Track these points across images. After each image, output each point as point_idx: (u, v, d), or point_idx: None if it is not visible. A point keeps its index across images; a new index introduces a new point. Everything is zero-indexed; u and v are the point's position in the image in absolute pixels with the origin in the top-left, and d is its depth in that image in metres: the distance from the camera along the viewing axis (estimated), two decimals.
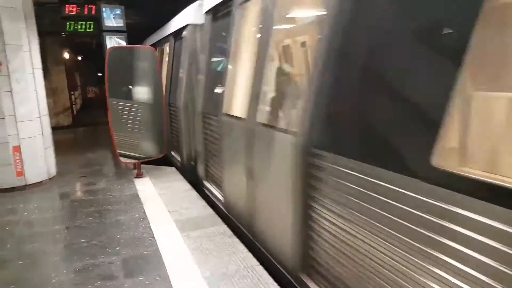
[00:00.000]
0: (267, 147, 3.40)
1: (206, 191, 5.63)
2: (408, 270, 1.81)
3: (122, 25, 9.69)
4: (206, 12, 5.52)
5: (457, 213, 1.52)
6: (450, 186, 1.55)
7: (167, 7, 9.00)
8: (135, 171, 6.58)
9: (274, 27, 3.54)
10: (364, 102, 2.17)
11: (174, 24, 7.29)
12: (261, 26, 3.77)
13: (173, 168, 7.09)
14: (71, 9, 11.39)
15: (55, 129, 11.56)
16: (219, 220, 4.61)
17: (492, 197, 1.38)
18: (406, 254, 1.81)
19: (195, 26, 6.25)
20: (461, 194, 1.50)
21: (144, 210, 4.95)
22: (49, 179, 6.32)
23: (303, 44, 3.70)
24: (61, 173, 6.74)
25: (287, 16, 3.70)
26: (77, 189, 6.01)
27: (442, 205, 1.58)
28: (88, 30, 11.83)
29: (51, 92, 12.60)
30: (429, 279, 1.68)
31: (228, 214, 4.65)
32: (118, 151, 6.34)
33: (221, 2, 4.87)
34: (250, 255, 3.68)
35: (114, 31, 9.72)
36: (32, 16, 6.13)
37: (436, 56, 1.71)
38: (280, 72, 3.78)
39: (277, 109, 3.61)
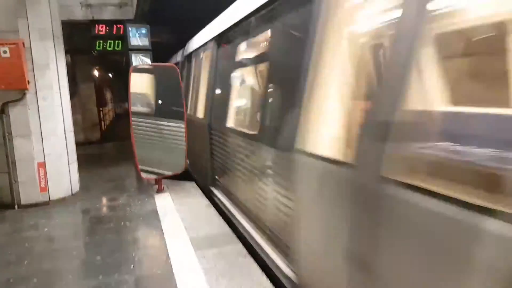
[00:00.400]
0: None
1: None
2: None
3: (147, 43, 9.92)
4: None
5: None
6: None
7: (192, 26, 9.17)
8: (156, 186, 6.62)
9: None
10: None
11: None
12: None
13: (193, 183, 7.11)
14: (101, 29, 11.81)
15: (83, 144, 11.98)
16: (235, 238, 4.54)
17: None
18: None
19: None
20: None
21: (161, 226, 4.95)
22: (72, 195, 6.44)
23: None
24: (85, 189, 6.86)
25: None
26: (98, 205, 6.09)
27: None
28: (116, 48, 12.23)
29: (80, 108, 13.02)
30: None
31: None
32: (140, 166, 6.42)
33: None
34: (264, 277, 3.59)
35: (139, 49, 9.95)
36: (60, 36, 6.35)
37: None
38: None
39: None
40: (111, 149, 12.48)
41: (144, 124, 6.78)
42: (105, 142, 13.51)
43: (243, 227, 4.47)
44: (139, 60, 9.55)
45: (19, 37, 5.57)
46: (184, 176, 7.13)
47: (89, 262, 4.05)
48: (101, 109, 14.98)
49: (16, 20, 5.57)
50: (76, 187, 6.64)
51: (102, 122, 15.13)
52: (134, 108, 6.47)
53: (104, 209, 5.95)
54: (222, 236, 4.62)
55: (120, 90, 24.89)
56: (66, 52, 7.00)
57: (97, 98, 14.10)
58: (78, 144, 7.27)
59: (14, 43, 5.45)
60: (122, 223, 5.15)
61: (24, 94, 5.69)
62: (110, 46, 12.19)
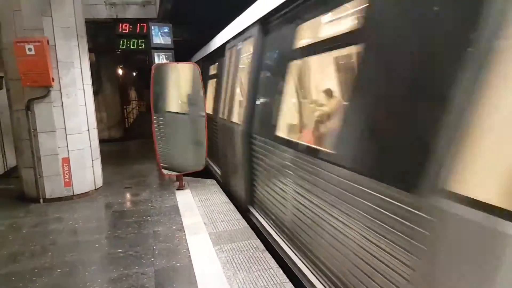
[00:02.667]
0: None
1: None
2: None
3: (169, 42, 10.04)
4: None
5: None
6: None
7: (214, 26, 9.21)
8: (177, 182, 6.69)
9: None
10: None
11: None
12: None
13: (213, 181, 7.15)
14: (124, 28, 12.01)
15: (107, 141, 12.22)
16: (252, 234, 4.55)
17: None
18: None
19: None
20: None
21: (181, 221, 5.00)
22: (96, 189, 6.58)
23: None
24: (108, 184, 7.00)
25: None
26: (120, 200, 6.20)
27: None
28: (139, 47, 12.41)
29: (104, 106, 13.28)
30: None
31: None
32: (161, 163, 6.51)
33: None
34: (280, 271, 3.59)
35: (162, 48, 10.08)
36: (84, 34, 6.48)
37: None
38: None
39: None
40: (134, 147, 12.69)
41: (166, 121, 6.87)
42: (128, 140, 13.74)
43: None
44: (161, 59, 9.66)
45: (44, 35, 5.71)
46: (204, 173, 7.19)
47: (111, 255, 4.12)
48: (125, 107, 15.23)
49: (41, 18, 5.71)
50: (99, 182, 6.77)
51: (126, 120, 15.37)
52: (156, 105, 6.55)
53: (126, 204, 6.04)
54: (240, 231, 4.63)
55: (144, 88, 25.31)
56: (90, 50, 7.15)
57: (120, 96, 14.34)
58: (102, 141, 7.43)
59: (38, 41, 5.59)
60: (144, 218, 5.23)
61: (49, 91, 5.83)
62: (133, 45, 12.38)
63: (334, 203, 2.78)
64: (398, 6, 2.27)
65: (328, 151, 2.87)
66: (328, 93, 4.07)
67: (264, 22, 4.74)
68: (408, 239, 1.99)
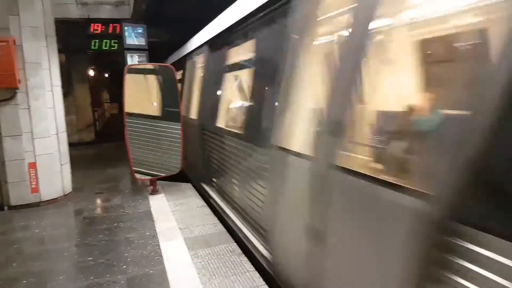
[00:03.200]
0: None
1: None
2: None
3: (143, 43, 9.86)
4: None
5: None
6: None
7: (190, 26, 9.12)
8: (151, 187, 6.53)
9: None
10: None
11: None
12: None
13: (189, 184, 7.02)
14: (96, 28, 11.74)
15: (77, 145, 11.86)
16: (229, 237, 4.47)
17: None
18: None
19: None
20: None
21: (155, 227, 4.86)
22: (64, 195, 6.34)
23: None
24: (77, 190, 6.76)
25: None
26: (91, 206, 5.99)
27: None
28: (112, 48, 12.16)
29: (74, 108, 12.91)
30: None
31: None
32: (134, 167, 6.33)
33: None
34: (256, 274, 3.53)
35: (135, 49, 9.89)
36: (53, 34, 6.26)
37: None
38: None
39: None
40: (106, 150, 12.37)
41: (139, 124, 6.70)
42: (100, 143, 13.38)
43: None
44: (135, 59, 9.47)
45: (10, 35, 5.47)
46: (180, 177, 7.04)
47: (80, 263, 3.96)
48: (96, 109, 14.84)
49: (7, 17, 5.47)
50: (69, 188, 6.53)
51: (97, 122, 14.98)
52: (129, 108, 6.38)
53: (97, 210, 5.85)
54: (216, 235, 4.55)
55: (116, 90, 24.80)
56: (60, 51, 6.91)
57: (92, 98, 13.97)
58: (72, 145, 7.19)
59: (4, 41, 5.36)
60: (115, 224, 5.06)
61: (15, 93, 5.58)
62: (106, 46, 12.13)
63: (239, 161, 4.52)
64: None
65: (239, 132, 4.55)
66: (238, 96, 5.57)
67: (211, 43, 6.32)
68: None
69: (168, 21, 11.46)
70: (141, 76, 6.85)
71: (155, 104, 6.83)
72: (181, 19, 10.60)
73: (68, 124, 7.69)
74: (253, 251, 3.91)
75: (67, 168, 6.50)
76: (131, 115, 6.42)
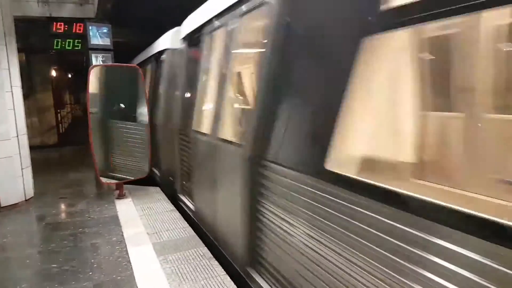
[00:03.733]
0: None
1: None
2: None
3: (108, 43, 9.63)
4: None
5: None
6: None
7: (156, 26, 8.99)
8: (117, 191, 6.37)
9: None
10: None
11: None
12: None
13: (157, 188, 6.89)
14: (59, 27, 11.35)
15: (39, 148, 11.43)
16: (199, 241, 4.42)
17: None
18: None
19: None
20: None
21: (122, 233, 4.75)
22: (26, 200, 6.08)
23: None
24: (40, 194, 6.51)
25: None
26: (54, 211, 5.77)
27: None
28: (76, 48, 11.79)
29: (36, 110, 12.44)
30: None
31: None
32: (99, 171, 6.16)
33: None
34: (227, 278, 3.50)
35: (100, 49, 9.63)
36: (13, 33, 6.00)
37: None
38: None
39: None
40: (70, 153, 11.99)
41: (105, 126, 6.54)
42: (63, 146, 12.95)
43: None
44: (99, 60, 9.23)
45: None
46: (148, 181, 6.91)
47: (44, 271, 3.81)
48: (59, 111, 14.37)
49: None
50: (30, 192, 6.28)
51: (60, 124, 14.50)
52: (94, 109, 6.21)
53: (61, 216, 5.65)
54: (185, 239, 4.48)
55: (81, 91, 24.14)
56: (20, 50, 6.65)
57: (54, 100, 13.51)
58: (34, 148, 6.93)
59: None
60: (80, 230, 4.91)
61: None
62: (69, 45, 11.75)
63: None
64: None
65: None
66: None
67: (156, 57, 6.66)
68: None
69: (134, 21, 11.23)
70: (106, 76, 6.68)
71: (121, 105, 6.69)
72: (147, 19, 10.41)
73: (30, 126, 7.41)
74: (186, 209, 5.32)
75: (28, 172, 6.24)
76: (95, 115, 6.25)
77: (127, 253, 4.12)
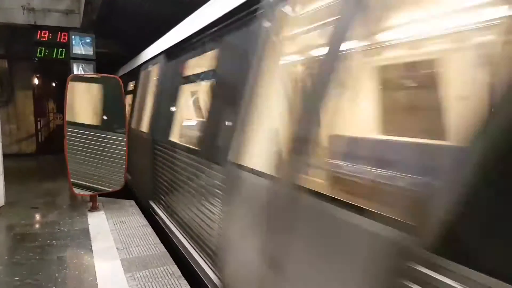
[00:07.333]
0: None
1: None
2: None
3: (91, 53, 9.56)
4: None
5: None
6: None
7: (142, 37, 9.01)
8: (91, 203, 6.24)
9: None
10: None
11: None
12: None
13: (132, 202, 6.78)
14: (43, 35, 11.25)
15: (16, 156, 11.21)
16: (169, 259, 4.34)
17: None
18: None
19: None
20: None
21: (91, 246, 4.63)
22: None
23: None
24: (11, 204, 6.35)
25: None
26: (24, 221, 5.61)
27: None
28: (59, 56, 11.68)
29: (15, 117, 12.24)
30: None
31: None
32: (72, 181, 6.02)
33: None
34: None
35: (82, 59, 9.57)
36: None
37: None
38: None
39: None
40: (47, 162, 11.75)
41: (81, 136, 6.43)
42: (42, 155, 12.72)
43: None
44: (81, 70, 9.16)
45: None
46: (123, 194, 6.80)
47: (6, 283, 3.68)
48: (39, 119, 14.13)
49: None
50: (1, 201, 6.12)
51: (40, 133, 14.25)
52: (71, 118, 6.12)
53: (31, 226, 5.50)
54: (156, 256, 4.39)
55: (63, 100, 23.81)
56: (3, 57, 6.57)
57: (35, 108, 13.31)
58: (11, 156, 6.79)
59: None
60: (48, 242, 4.78)
61: None
62: (52, 54, 11.65)
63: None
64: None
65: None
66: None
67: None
68: None
69: (119, 32, 11.22)
70: (85, 86, 6.61)
71: (98, 115, 6.60)
72: (132, 31, 10.42)
73: (8, 134, 7.25)
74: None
75: (0, 181, 6.09)
76: (72, 124, 6.15)
77: (94, 268, 4.01)
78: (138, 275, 3.87)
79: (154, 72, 6.68)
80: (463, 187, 1.24)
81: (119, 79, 6.49)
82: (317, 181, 2.30)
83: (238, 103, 2.99)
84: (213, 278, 3.37)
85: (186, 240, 4.40)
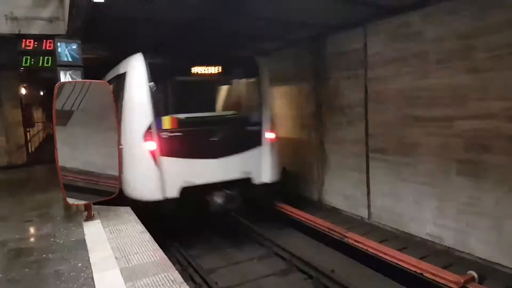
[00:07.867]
0: None
1: None
2: None
3: (78, 60, 9.36)
4: None
5: None
6: None
7: (127, 43, 8.88)
8: (86, 212, 6.10)
9: None
10: None
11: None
12: None
13: (128, 208, 6.65)
14: (28, 44, 11.02)
15: (6, 168, 11.00)
16: (170, 266, 4.24)
17: None
18: None
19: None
20: None
21: (88, 257, 4.51)
22: None
23: None
24: (3, 218, 6.20)
25: None
26: (17, 236, 5.45)
27: None
28: (46, 65, 11.44)
29: (4, 129, 12.02)
30: None
31: None
32: (66, 191, 5.86)
33: None
34: None
35: (69, 66, 9.37)
36: None
37: None
38: None
39: None
40: (38, 173, 11.54)
41: (72, 143, 6.28)
42: (32, 166, 12.49)
43: None
44: (68, 77, 8.96)
45: None
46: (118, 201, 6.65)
47: None
48: (29, 129, 13.91)
49: None
50: None
51: (29, 144, 14.02)
52: (60, 127, 5.97)
53: (25, 241, 5.35)
54: (156, 264, 4.30)
55: (51, 109, 23.52)
56: None
57: (23, 118, 13.09)
58: (1, 169, 6.62)
59: None
60: (44, 256, 4.65)
61: None
62: (39, 62, 11.43)
63: None
64: None
65: None
66: None
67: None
68: None
69: (105, 38, 11.03)
70: (73, 93, 6.46)
71: (89, 122, 6.45)
72: (118, 36, 10.25)
73: None
74: None
75: None
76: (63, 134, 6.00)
77: (92, 280, 3.90)
78: (139, 284, 3.78)
79: None
80: None
81: (108, 84, 6.37)
82: None
83: None
84: None
85: None
